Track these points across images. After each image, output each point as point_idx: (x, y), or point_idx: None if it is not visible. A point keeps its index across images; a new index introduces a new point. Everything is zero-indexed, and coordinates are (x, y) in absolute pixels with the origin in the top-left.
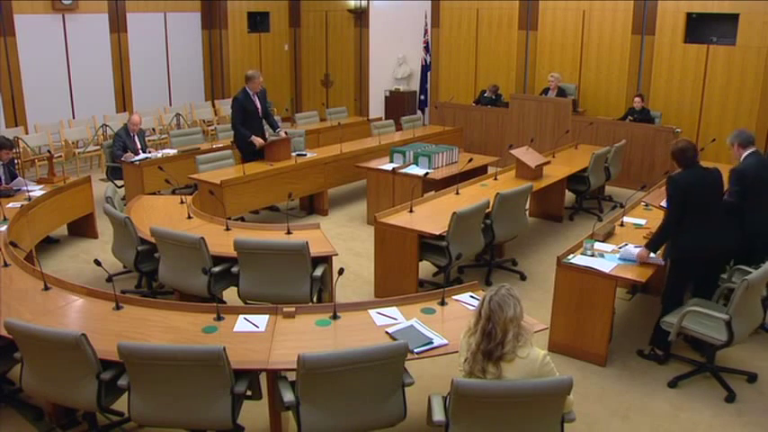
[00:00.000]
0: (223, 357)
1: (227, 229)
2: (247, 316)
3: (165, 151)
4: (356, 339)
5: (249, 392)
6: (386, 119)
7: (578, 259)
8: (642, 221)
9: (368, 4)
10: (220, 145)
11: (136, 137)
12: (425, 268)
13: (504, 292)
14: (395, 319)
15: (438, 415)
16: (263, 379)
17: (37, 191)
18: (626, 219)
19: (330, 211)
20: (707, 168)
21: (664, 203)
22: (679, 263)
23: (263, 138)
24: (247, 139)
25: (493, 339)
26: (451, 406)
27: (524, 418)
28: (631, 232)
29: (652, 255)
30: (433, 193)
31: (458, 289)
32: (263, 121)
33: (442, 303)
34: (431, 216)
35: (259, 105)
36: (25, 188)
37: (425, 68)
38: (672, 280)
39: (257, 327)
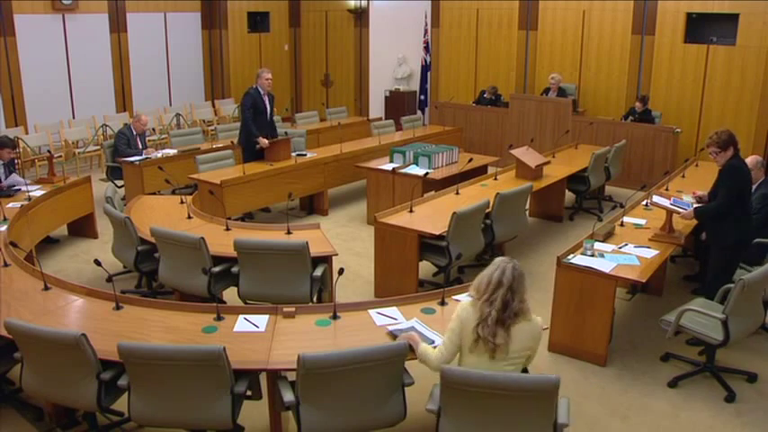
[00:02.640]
0: (223, 357)
1: (227, 229)
2: (247, 316)
3: (165, 151)
4: (356, 339)
5: (249, 392)
6: (386, 119)
7: (578, 259)
8: (642, 221)
9: (368, 4)
10: (220, 145)
11: (138, 137)
12: (425, 268)
13: (517, 263)
14: (395, 319)
15: (431, 404)
16: (263, 379)
17: (36, 190)
18: (626, 219)
19: (330, 211)
20: None
21: (695, 194)
22: (732, 249)
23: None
24: (254, 138)
25: (510, 308)
26: (441, 395)
27: (513, 415)
28: (631, 232)
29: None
30: (433, 193)
31: (458, 289)
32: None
33: (442, 303)
34: (431, 216)
35: (268, 106)
36: (24, 187)
37: (425, 68)
38: (721, 265)
39: (257, 327)
